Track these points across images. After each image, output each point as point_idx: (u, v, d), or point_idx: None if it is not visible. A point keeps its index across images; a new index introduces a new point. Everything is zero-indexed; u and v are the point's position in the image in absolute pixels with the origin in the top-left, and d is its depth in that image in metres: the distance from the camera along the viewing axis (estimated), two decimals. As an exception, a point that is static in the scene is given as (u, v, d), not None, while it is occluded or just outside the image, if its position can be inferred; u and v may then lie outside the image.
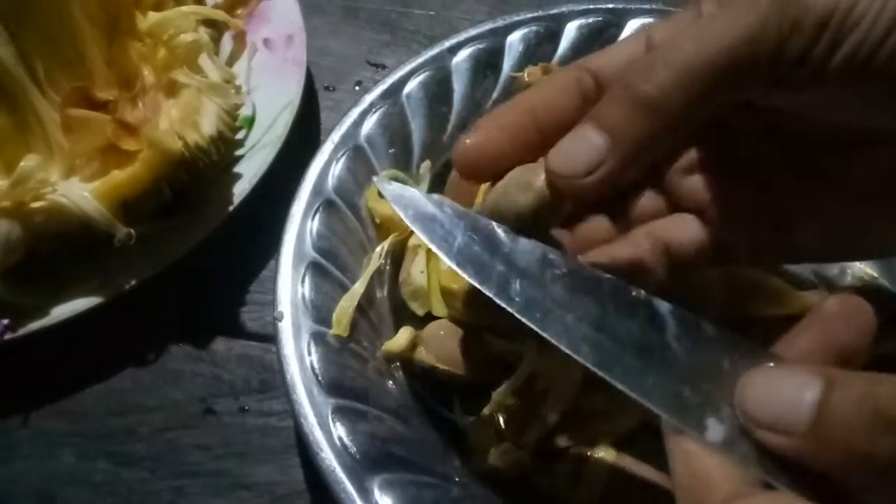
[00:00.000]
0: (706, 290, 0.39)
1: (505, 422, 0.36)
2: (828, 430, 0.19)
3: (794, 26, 0.23)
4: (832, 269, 0.43)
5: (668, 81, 0.23)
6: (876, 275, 0.42)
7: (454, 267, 0.26)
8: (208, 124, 0.39)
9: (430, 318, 0.39)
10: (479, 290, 0.37)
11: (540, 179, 0.26)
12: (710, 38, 0.23)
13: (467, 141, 0.27)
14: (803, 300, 0.38)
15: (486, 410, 0.36)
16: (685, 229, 0.30)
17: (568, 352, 0.23)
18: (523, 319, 0.24)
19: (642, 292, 0.24)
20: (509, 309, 0.24)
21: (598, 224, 0.30)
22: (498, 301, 0.25)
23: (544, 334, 0.23)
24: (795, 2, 0.23)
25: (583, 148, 0.25)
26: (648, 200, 0.30)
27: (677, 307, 0.24)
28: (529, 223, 0.27)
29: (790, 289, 0.39)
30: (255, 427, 0.39)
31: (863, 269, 0.42)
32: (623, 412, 0.36)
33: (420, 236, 0.27)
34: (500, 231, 0.27)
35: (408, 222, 0.27)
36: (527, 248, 0.26)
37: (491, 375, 0.37)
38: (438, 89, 0.46)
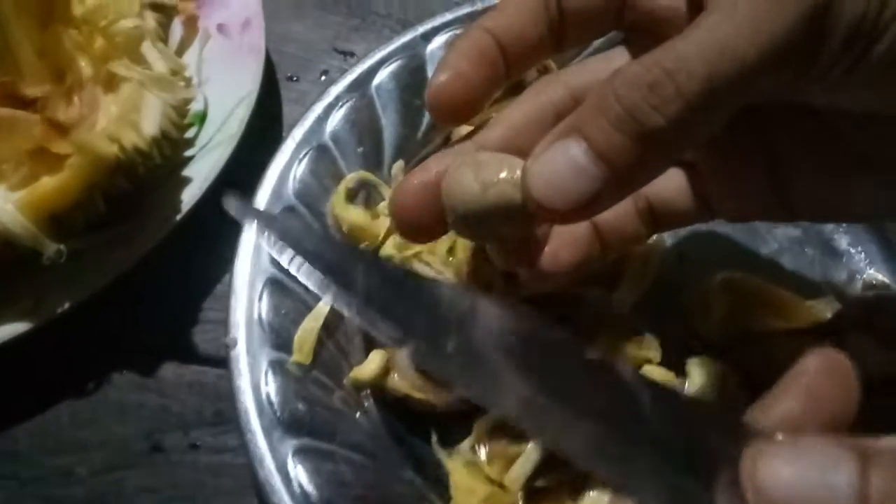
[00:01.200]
0: (706, 303, 0.36)
1: (488, 457, 0.32)
2: None
3: (826, 36, 0.20)
4: (841, 276, 0.40)
5: (680, 113, 0.20)
6: (888, 281, 0.39)
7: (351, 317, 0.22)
8: (150, 123, 0.34)
9: (404, 338, 0.35)
10: None
11: (504, 190, 0.23)
12: (728, 59, 0.20)
13: (439, 79, 0.25)
14: (811, 312, 0.36)
15: (466, 444, 0.33)
16: (670, 183, 0.30)
17: (533, 436, 0.19)
18: (465, 393, 0.20)
19: (595, 354, 0.21)
20: (445, 376, 0.20)
21: None
22: (429, 367, 0.21)
23: (489, 408, 0.19)
24: (824, 6, 0.20)
25: (574, 177, 0.21)
26: None
27: (641, 374, 0.21)
28: (491, 232, 0.25)
29: (797, 299, 0.36)
30: (208, 465, 0.35)
31: (874, 276, 0.39)
32: None
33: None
34: (410, 277, 0.23)
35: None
36: (451, 298, 0.22)
37: (472, 404, 0.33)
38: (412, 80, 0.41)
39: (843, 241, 0.40)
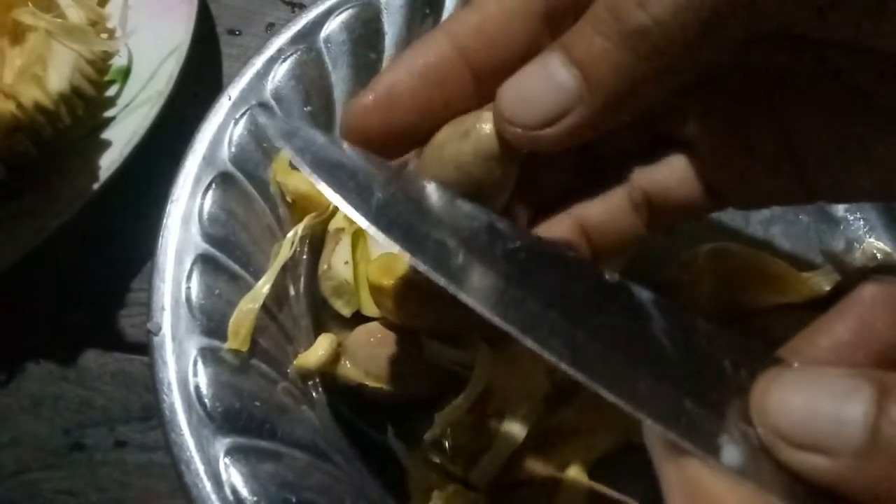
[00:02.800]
0: (693, 276, 0.33)
1: (451, 451, 0.29)
2: (884, 451, 0.15)
3: None
4: (838, 244, 0.37)
5: (668, 10, 0.18)
6: (890, 250, 0.36)
7: (372, 230, 0.19)
8: (58, 78, 0.30)
9: (359, 319, 0.32)
10: (416, 286, 0.30)
11: (482, 126, 0.20)
12: None
13: (359, 102, 0.21)
14: (808, 284, 0.33)
15: (427, 436, 0.29)
16: (669, 169, 0.25)
17: (535, 347, 0.17)
18: (474, 305, 0.18)
19: (616, 276, 0.20)
20: (452, 289, 0.18)
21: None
22: (437, 277, 0.18)
23: (501, 323, 0.18)
24: None
25: (546, 88, 0.19)
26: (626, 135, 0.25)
27: (659, 295, 0.20)
28: (473, 188, 0.21)
29: (792, 271, 0.33)
30: (136, 465, 0.31)
31: (874, 244, 0.36)
32: (597, 430, 0.30)
33: (323, 189, 0.19)
34: (432, 188, 0.21)
35: (306, 170, 0.19)
36: (469, 213, 0.20)
37: (434, 392, 0.30)
38: (365, 31, 0.38)
39: (840, 207, 0.37)
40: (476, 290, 0.18)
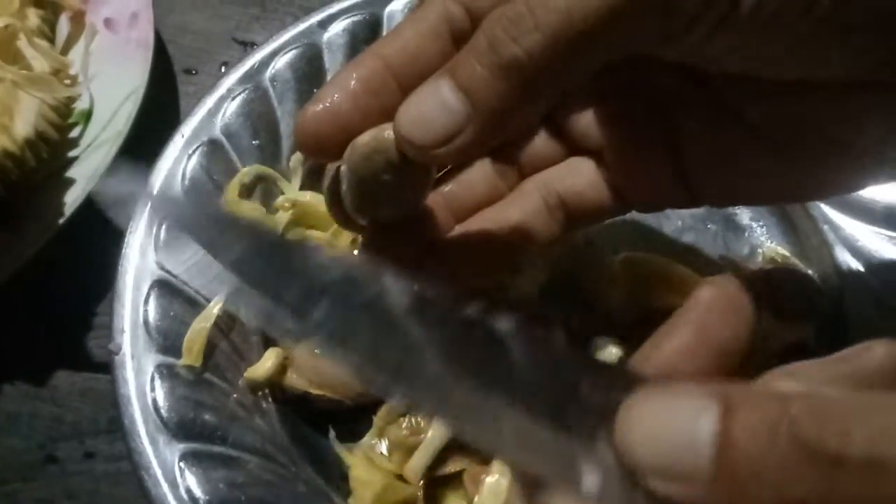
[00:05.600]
0: (610, 281, 0.36)
1: (389, 450, 0.32)
2: (735, 470, 0.14)
3: None
4: (742, 250, 0.40)
5: (537, 45, 0.20)
6: (788, 254, 0.39)
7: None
8: (24, 125, 0.33)
9: (307, 332, 0.35)
10: None
11: (388, 133, 0.22)
12: None
13: (309, 110, 0.23)
14: None
15: (367, 438, 0.33)
16: (581, 176, 0.28)
17: (383, 396, 0.18)
18: (325, 354, 0.19)
19: (476, 309, 0.19)
20: (308, 338, 0.19)
21: (475, 184, 0.28)
22: (293, 328, 0.19)
23: (357, 379, 0.19)
24: None
25: (438, 112, 0.21)
26: (539, 143, 0.28)
27: (518, 321, 0.19)
28: (396, 190, 0.23)
29: (694, 276, 0.36)
30: (104, 474, 0.34)
31: (773, 249, 0.40)
32: None
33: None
34: (292, 241, 0.23)
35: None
36: (325, 264, 0.21)
37: (373, 398, 0.33)
38: (309, 69, 0.40)
39: (744, 216, 0.40)
40: (335, 348, 0.19)
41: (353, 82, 0.23)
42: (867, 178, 0.26)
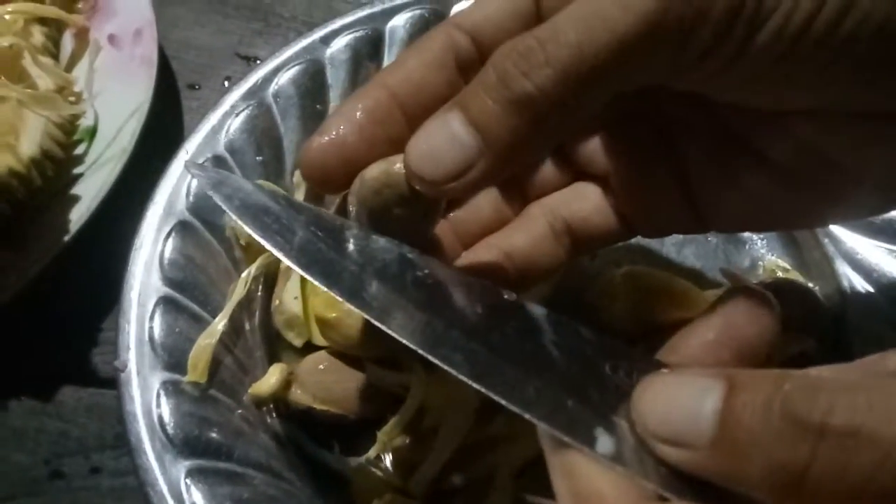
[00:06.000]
0: (611, 296, 0.36)
1: (393, 464, 0.32)
2: (733, 440, 0.17)
3: (700, 15, 0.19)
4: (743, 263, 0.40)
5: (549, 80, 0.20)
6: (789, 267, 0.40)
7: (295, 266, 0.22)
8: (30, 144, 0.33)
9: (311, 348, 0.35)
10: (357, 317, 0.33)
11: (398, 166, 0.22)
12: (599, 28, 0.19)
13: (314, 142, 0.23)
14: (709, 300, 0.36)
15: (371, 453, 0.33)
16: (587, 201, 0.28)
17: (438, 363, 0.20)
18: (382, 327, 0.20)
19: (514, 295, 0.22)
20: (366, 315, 0.21)
21: (481, 209, 0.28)
22: (352, 304, 0.21)
23: (408, 343, 0.20)
24: None
25: (449, 146, 0.21)
26: (545, 168, 0.28)
27: (552, 311, 0.22)
28: (406, 223, 0.23)
29: (694, 289, 0.36)
30: (111, 489, 0.34)
31: (775, 262, 0.40)
32: (521, 439, 0.33)
33: (250, 231, 0.22)
34: (349, 227, 0.23)
35: (233, 215, 0.23)
36: (383, 247, 0.23)
37: (377, 413, 0.33)
38: (312, 85, 0.41)
39: (745, 229, 0.41)
40: (386, 315, 0.21)
41: (358, 113, 0.23)
42: (874, 207, 0.27)
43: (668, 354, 0.21)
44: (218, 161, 0.37)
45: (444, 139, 0.21)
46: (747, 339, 0.20)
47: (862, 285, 0.36)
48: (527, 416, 0.19)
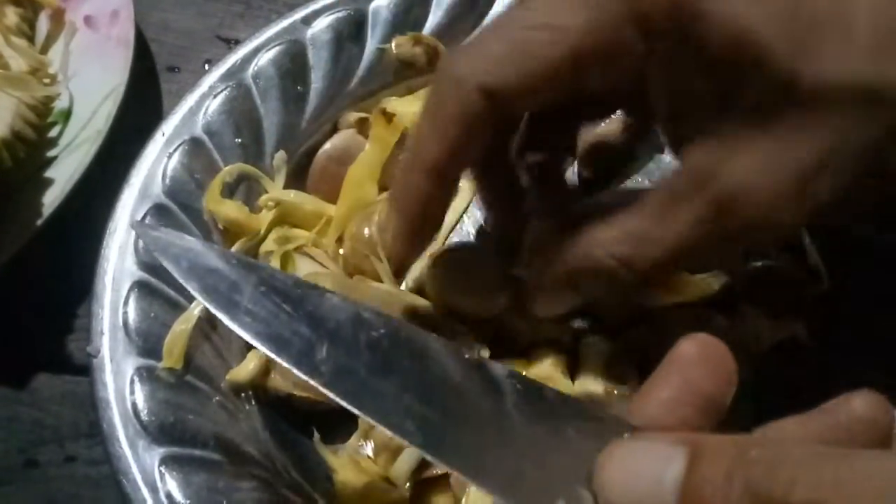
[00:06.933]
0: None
1: (374, 452, 0.32)
2: None
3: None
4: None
5: None
6: (775, 252, 0.39)
7: (242, 333, 0.22)
8: (0, 125, 0.32)
9: (290, 333, 0.34)
10: None
11: None
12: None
13: (388, 248, 0.30)
14: (700, 285, 0.36)
15: (352, 440, 0.32)
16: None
17: (387, 430, 0.19)
18: (331, 395, 0.20)
19: (476, 353, 0.23)
20: (313, 382, 0.20)
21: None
22: (299, 372, 0.21)
23: (357, 411, 0.20)
24: None
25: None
26: None
27: (514, 372, 0.21)
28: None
29: (685, 274, 0.36)
30: (85, 478, 0.33)
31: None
32: None
33: (195, 296, 0.23)
34: (303, 285, 0.23)
35: (179, 278, 0.23)
36: (335, 306, 0.22)
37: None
38: (293, 66, 0.40)
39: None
40: (336, 382, 0.21)
41: (406, 210, 0.27)
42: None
43: (631, 416, 0.20)
44: (195, 143, 0.37)
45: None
46: (708, 394, 0.19)
47: (850, 267, 0.35)
48: (482, 488, 0.18)
